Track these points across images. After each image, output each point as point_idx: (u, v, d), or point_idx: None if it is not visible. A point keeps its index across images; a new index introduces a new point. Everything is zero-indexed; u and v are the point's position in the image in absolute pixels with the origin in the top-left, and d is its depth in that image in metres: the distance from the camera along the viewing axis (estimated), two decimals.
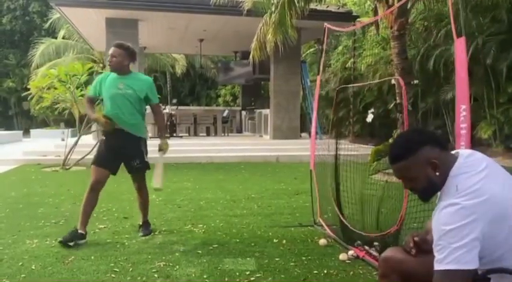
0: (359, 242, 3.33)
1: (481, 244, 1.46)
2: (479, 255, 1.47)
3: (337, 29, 4.40)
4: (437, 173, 1.59)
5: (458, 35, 2.43)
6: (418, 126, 10.52)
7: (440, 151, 1.61)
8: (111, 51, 3.84)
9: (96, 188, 3.71)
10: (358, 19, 12.22)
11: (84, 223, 3.65)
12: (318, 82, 4.43)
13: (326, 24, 4.28)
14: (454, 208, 1.48)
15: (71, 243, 3.47)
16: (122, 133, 3.74)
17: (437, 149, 1.61)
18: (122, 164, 3.83)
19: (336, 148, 3.92)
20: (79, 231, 3.61)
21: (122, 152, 3.76)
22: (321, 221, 4.06)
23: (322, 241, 3.53)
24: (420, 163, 1.60)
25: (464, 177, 1.54)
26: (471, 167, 1.57)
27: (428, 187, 1.63)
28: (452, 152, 1.68)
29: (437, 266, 1.48)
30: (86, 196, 3.72)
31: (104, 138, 3.85)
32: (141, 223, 3.99)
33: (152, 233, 3.90)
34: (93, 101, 3.98)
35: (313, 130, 4.61)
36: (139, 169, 3.83)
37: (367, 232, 3.34)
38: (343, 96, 13.78)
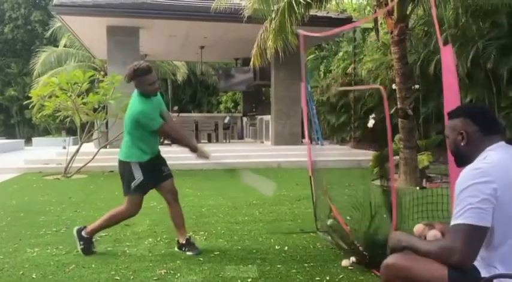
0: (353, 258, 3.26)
1: (494, 208, 1.59)
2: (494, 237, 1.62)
3: (312, 34, 4.34)
4: (462, 144, 1.79)
5: (445, 43, 2.44)
6: (420, 128, 10.53)
7: (478, 130, 1.77)
8: (152, 77, 3.39)
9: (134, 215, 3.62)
10: (353, 21, 12.24)
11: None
12: (303, 88, 4.41)
13: (300, 31, 4.24)
14: (473, 169, 1.67)
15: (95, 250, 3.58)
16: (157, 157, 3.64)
17: (476, 126, 1.78)
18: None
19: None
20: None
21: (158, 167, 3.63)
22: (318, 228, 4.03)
23: (345, 262, 3.23)
24: (454, 128, 1.83)
25: (497, 152, 1.72)
26: (509, 149, 1.75)
27: (455, 152, 1.86)
28: (501, 141, 1.79)
29: (452, 221, 1.64)
30: (120, 218, 3.62)
31: (143, 165, 3.49)
32: (184, 242, 3.59)
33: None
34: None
35: (306, 136, 4.59)
36: (168, 176, 3.63)
37: (358, 241, 3.30)
38: (345, 101, 13.80)
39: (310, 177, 4.29)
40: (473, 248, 1.60)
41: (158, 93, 3.57)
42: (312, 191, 4.29)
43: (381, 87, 3.21)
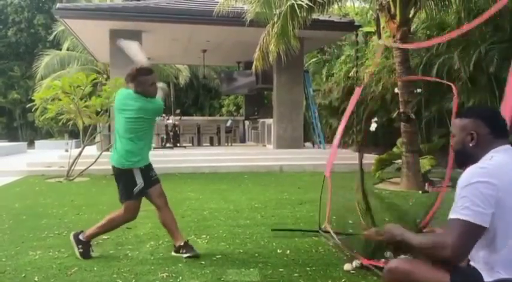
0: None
1: (495, 210, 1.58)
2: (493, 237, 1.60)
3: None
4: (471, 144, 1.78)
5: None
6: (422, 132, 10.50)
7: (489, 132, 1.76)
8: (152, 78, 3.46)
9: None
10: (360, 29, 12.27)
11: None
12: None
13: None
14: (478, 168, 1.66)
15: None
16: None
17: (487, 129, 1.77)
18: None
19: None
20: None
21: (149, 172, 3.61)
22: (329, 228, 4.01)
23: (347, 266, 3.21)
24: (464, 128, 1.81)
25: (503, 155, 1.71)
26: None
27: (460, 151, 1.84)
28: (507, 144, 1.78)
29: (450, 214, 1.64)
30: (117, 223, 3.63)
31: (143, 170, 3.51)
32: (181, 244, 3.53)
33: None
34: None
35: (336, 139, 4.48)
36: (156, 180, 3.61)
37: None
38: (347, 105, 13.78)
39: (325, 177, 4.23)
40: (465, 245, 1.59)
41: (157, 102, 3.54)
42: (321, 193, 4.25)
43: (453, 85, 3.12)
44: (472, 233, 1.58)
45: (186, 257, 3.46)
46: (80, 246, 3.50)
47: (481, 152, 1.76)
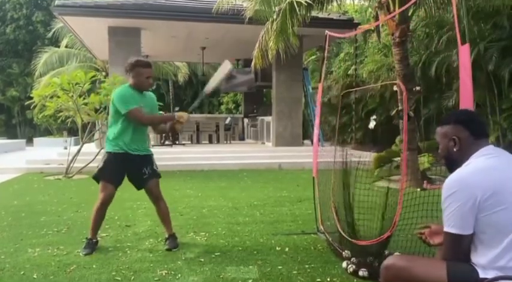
0: (353, 259, 3.21)
1: (476, 212, 1.65)
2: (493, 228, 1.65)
3: (337, 35, 4.39)
4: (455, 149, 1.84)
5: (463, 42, 2.44)
6: (421, 130, 10.51)
7: (470, 135, 1.82)
8: (148, 72, 3.57)
9: (107, 204, 3.69)
10: (359, 26, 12.25)
11: (97, 231, 3.76)
12: (320, 89, 4.43)
13: (327, 32, 4.29)
14: (455, 176, 1.73)
15: (93, 252, 3.58)
16: (137, 157, 3.66)
17: (467, 131, 1.82)
18: (129, 178, 3.78)
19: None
20: (94, 240, 3.70)
21: (132, 170, 3.71)
22: (322, 228, 4.03)
23: (346, 264, 3.20)
24: (445, 135, 1.87)
25: (480, 158, 1.76)
26: (493, 154, 1.77)
27: (446, 158, 1.90)
28: (488, 144, 1.83)
29: (444, 227, 1.73)
30: (96, 211, 3.67)
31: (113, 155, 3.66)
32: (166, 236, 3.79)
33: (177, 248, 3.67)
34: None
35: (315, 137, 4.59)
36: (149, 177, 3.70)
37: (359, 240, 3.28)
38: (346, 102, 13.80)
39: (314, 178, 4.27)
40: (459, 254, 1.71)
41: (154, 98, 3.79)
42: (314, 192, 4.28)
43: (401, 83, 3.16)
44: (459, 243, 1.70)
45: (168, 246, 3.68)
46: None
47: (465, 155, 1.82)
